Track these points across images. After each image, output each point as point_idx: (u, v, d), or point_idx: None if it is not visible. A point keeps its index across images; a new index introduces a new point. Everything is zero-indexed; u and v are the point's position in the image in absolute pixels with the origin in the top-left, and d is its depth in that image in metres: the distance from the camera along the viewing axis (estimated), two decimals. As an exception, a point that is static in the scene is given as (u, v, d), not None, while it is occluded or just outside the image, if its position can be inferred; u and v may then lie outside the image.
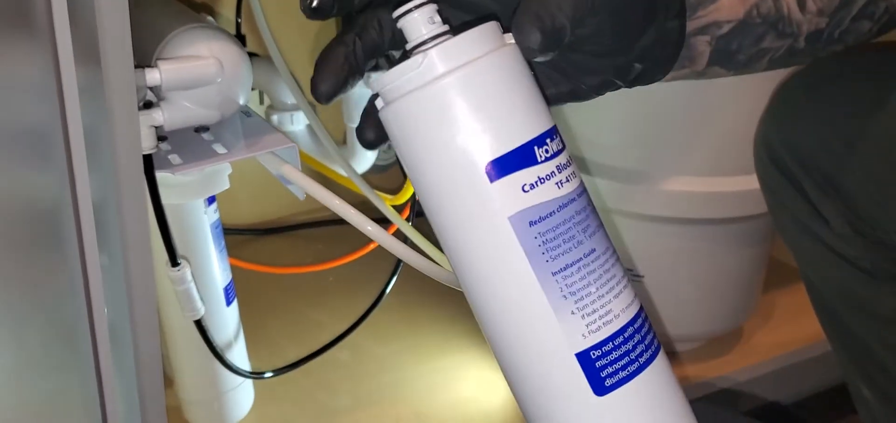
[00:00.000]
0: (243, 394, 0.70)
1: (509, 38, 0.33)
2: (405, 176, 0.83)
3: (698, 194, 0.78)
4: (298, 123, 0.89)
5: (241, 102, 0.50)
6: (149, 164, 0.46)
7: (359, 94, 0.90)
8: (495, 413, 0.77)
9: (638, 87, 0.39)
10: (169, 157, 0.50)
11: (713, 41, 0.40)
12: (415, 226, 0.76)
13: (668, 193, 0.79)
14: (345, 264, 0.90)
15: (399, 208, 0.80)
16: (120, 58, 0.40)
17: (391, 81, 0.32)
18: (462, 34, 0.31)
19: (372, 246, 0.86)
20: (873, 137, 0.57)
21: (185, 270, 0.51)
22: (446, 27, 0.32)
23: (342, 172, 0.82)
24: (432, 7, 0.32)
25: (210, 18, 0.61)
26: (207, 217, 0.61)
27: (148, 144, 0.46)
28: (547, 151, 0.32)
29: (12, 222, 0.40)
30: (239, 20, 0.91)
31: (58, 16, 0.40)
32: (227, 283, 0.65)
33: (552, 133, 0.32)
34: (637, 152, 0.80)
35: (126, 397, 0.47)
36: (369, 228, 0.54)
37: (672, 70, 0.39)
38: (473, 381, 0.80)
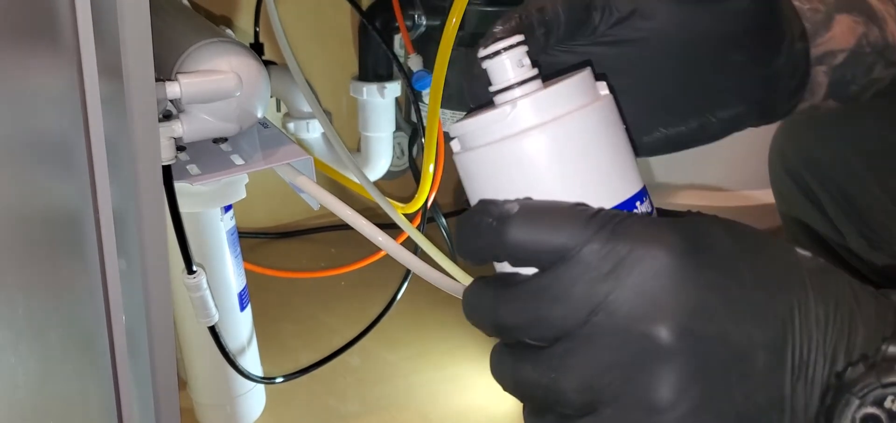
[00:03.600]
0: (255, 398, 0.72)
1: (603, 89, 0.30)
2: (418, 184, 0.84)
3: (709, 209, 0.79)
4: (314, 130, 0.91)
5: (259, 115, 0.51)
6: (168, 174, 0.48)
7: (373, 103, 0.91)
8: (503, 422, 0.78)
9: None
10: (187, 167, 0.51)
11: (830, 72, 0.39)
12: (425, 234, 0.77)
13: (680, 208, 0.79)
14: (357, 269, 0.91)
15: (411, 217, 0.81)
16: (142, 72, 0.42)
17: (474, 129, 0.29)
18: (555, 85, 0.29)
19: (383, 252, 0.87)
20: (894, 156, 0.58)
21: (201, 277, 0.53)
22: (535, 71, 0.30)
23: (355, 180, 0.83)
24: (522, 49, 0.30)
25: (229, 31, 0.63)
26: (223, 224, 0.62)
27: (167, 155, 0.47)
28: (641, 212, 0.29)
29: (36, 229, 0.41)
30: (257, 29, 0.92)
31: (83, 31, 0.41)
32: (241, 288, 0.66)
33: (642, 195, 0.30)
34: (650, 166, 0.81)
35: (141, 400, 0.49)
36: (380, 238, 0.55)
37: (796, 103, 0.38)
38: (482, 389, 0.81)
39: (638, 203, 0.29)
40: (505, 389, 0.30)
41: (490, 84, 0.30)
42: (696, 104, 0.37)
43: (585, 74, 0.29)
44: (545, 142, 0.28)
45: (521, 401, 0.30)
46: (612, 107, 0.30)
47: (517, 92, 0.29)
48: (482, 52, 0.30)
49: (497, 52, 0.29)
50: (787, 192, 0.66)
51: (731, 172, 0.79)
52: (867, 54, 0.40)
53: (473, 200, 0.30)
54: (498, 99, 0.30)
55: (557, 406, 0.28)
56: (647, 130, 0.37)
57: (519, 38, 0.30)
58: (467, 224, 0.29)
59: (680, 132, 0.37)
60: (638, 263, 0.26)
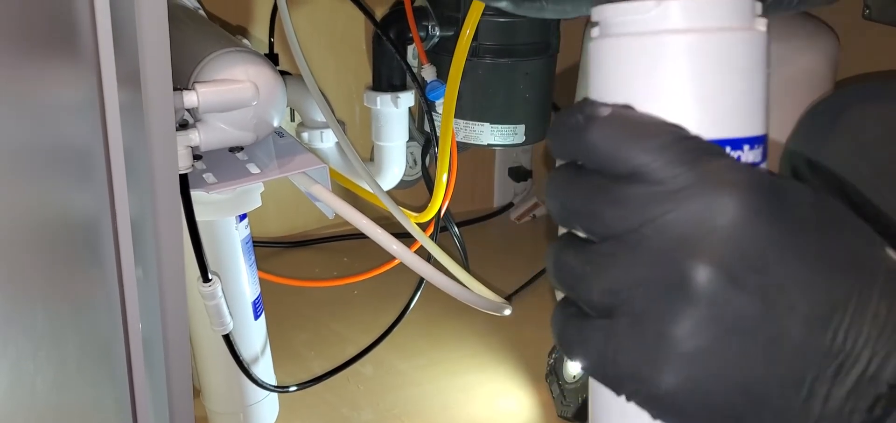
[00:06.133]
0: (268, 407, 0.72)
1: (761, 24, 0.28)
2: (431, 193, 0.84)
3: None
4: (328, 140, 0.91)
5: (275, 124, 0.51)
6: (184, 183, 0.48)
7: (386, 113, 0.92)
8: (515, 433, 0.77)
9: None
10: (203, 175, 0.51)
11: None
12: (438, 242, 0.77)
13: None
14: (370, 278, 0.91)
15: (424, 226, 0.82)
16: (160, 82, 0.42)
17: (615, 16, 0.28)
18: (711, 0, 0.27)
19: (397, 261, 0.88)
20: None
21: (216, 285, 0.53)
22: None
23: (368, 189, 0.83)
24: None
25: (246, 41, 0.63)
26: (238, 233, 0.62)
27: (184, 163, 0.47)
28: (740, 157, 0.28)
29: (56, 236, 0.42)
30: (272, 40, 0.93)
31: (103, 42, 0.41)
32: (255, 297, 0.66)
33: (754, 141, 0.28)
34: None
35: (157, 409, 0.49)
36: (394, 247, 0.55)
37: None
38: (495, 398, 0.81)
39: (745, 146, 0.28)
40: (547, 268, 0.30)
41: None
42: None
43: (746, 2, 0.28)
44: (672, 51, 0.27)
45: (556, 286, 0.30)
46: (760, 41, 0.28)
47: None
48: None
49: None
50: None
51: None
52: None
53: (590, 92, 0.29)
54: None
55: (581, 300, 0.28)
56: None
57: None
58: (559, 118, 0.29)
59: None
60: (703, 196, 0.26)
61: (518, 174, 1.24)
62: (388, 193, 0.83)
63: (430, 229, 0.84)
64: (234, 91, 0.48)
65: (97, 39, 0.41)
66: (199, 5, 0.73)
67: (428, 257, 0.79)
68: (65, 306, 0.42)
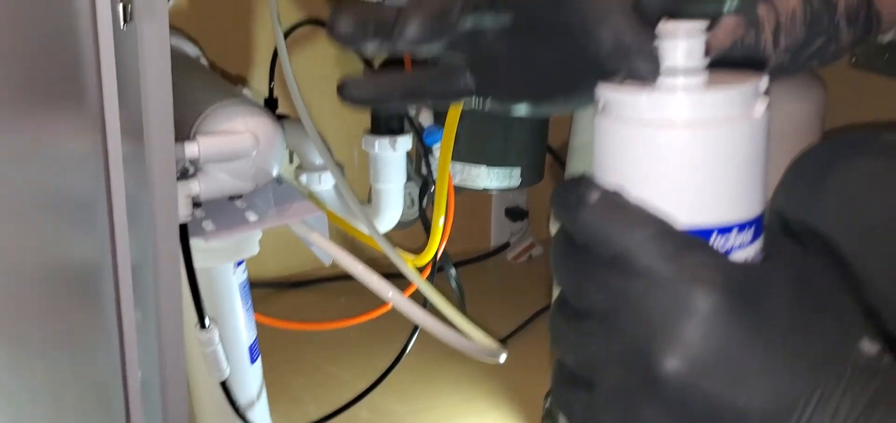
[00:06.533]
0: (264, 450, 0.72)
1: (761, 106, 0.28)
2: (428, 235, 0.85)
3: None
4: (326, 183, 0.92)
5: (274, 173, 0.52)
6: (184, 232, 0.49)
7: (384, 156, 0.93)
8: (511, 477, 0.77)
9: None
10: (203, 223, 0.52)
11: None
12: (435, 284, 0.78)
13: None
14: (366, 321, 0.91)
15: (421, 269, 0.82)
16: (162, 135, 0.43)
17: (614, 99, 0.29)
18: (719, 90, 0.27)
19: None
20: (891, 222, 0.57)
21: (213, 332, 0.53)
22: (705, 61, 0.28)
23: (366, 232, 0.84)
24: (701, 38, 0.28)
25: (246, 91, 0.64)
26: (235, 278, 0.63)
27: (184, 212, 0.48)
28: (727, 241, 0.28)
29: (59, 284, 0.42)
30: (272, 85, 0.94)
31: (108, 96, 0.43)
32: (251, 341, 0.67)
33: (746, 225, 0.29)
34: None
35: (154, 454, 0.49)
36: (390, 294, 0.56)
37: None
38: (490, 443, 0.81)
39: (734, 230, 0.28)
40: (549, 321, 0.33)
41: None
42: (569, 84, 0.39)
43: (752, 86, 0.28)
44: (666, 143, 0.27)
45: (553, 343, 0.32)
46: (756, 133, 0.28)
47: (681, 78, 0.28)
48: (662, 28, 0.29)
49: (676, 35, 0.28)
50: None
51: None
52: (736, 53, 0.40)
53: (593, 166, 0.30)
54: (660, 80, 0.29)
55: (564, 366, 0.31)
56: (516, 97, 0.40)
57: (702, 26, 0.28)
58: (561, 191, 0.31)
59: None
60: (678, 291, 0.27)
61: (515, 214, 1.25)
62: (386, 233, 0.84)
63: (427, 272, 0.85)
64: (235, 142, 0.49)
65: (102, 94, 0.42)
66: (200, 53, 0.74)
67: (424, 301, 0.79)
68: (65, 354, 0.42)
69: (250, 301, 0.66)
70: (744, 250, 0.29)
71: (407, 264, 0.76)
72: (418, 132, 0.88)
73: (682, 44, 0.28)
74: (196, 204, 0.55)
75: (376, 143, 0.92)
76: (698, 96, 0.27)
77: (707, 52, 0.28)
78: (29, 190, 0.38)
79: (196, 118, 0.52)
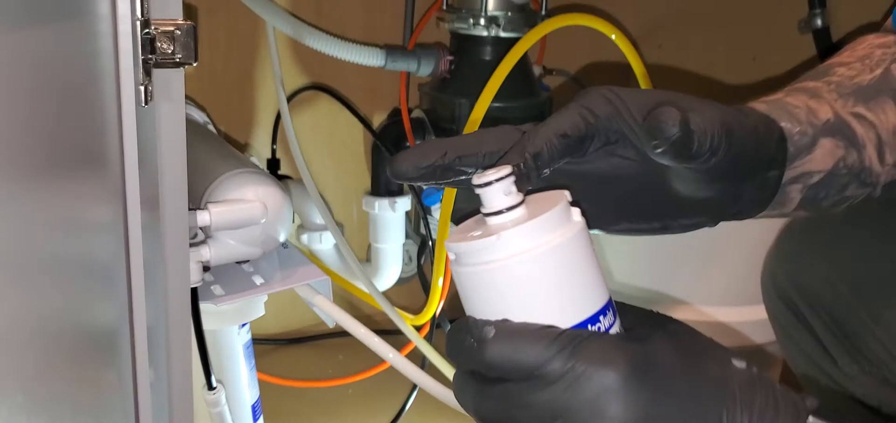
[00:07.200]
0: (264, 508, 0.73)
1: (577, 215, 0.35)
2: (426, 294, 0.87)
3: (705, 325, 0.82)
4: (326, 242, 0.94)
5: (282, 240, 0.55)
6: (194, 296, 0.51)
7: (384, 217, 0.95)
8: None
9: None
10: (211, 287, 0.54)
11: (804, 190, 0.42)
12: (433, 342, 0.80)
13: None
14: (364, 378, 0.93)
15: (420, 327, 0.84)
16: (177, 205, 0.46)
17: (465, 250, 0.34)
18: (537, 219, 0.33)
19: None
20: (880, 283, 0.60)
21: (220, 394, 0.55)
22: (520, 197, 0.34)
23: (365, 290, 0.86)
24: (510, 180, 0.34)
25: (254, 158, 0.67)
26: (240, 338, 0.65)
27: (195, 278, 0.51)
28: (600, 327, 0.34)
29: (78, 347, 0.44)
30: (274, 146, 0.97)
31: (129, 169, 0.45)
32: (254, 400, 0.68)
33: (606, 309, 0.35)
34: (648, 283, 0.84)
35: None
36: (390, 356, 0.58)
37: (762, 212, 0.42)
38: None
39: (601, 317, 0.34)
40: None
41: (482, 205, 0.35)
42: (662, 213, 0.41)
43: (563, 208, 0.34)
44: (524, 271, 0.33)
45: None
46: (583, 234, 0.34)
47: (505, 215, 0.34)
48: (477, 182, 0.34)
49: (490, 182, 0.34)
50: (780, 315, 0.68)
51: (729, 289, 0.83)
52: (843, 175, 0.42)
53: (465, 306, 0.35)
54: (488, 221, 0.34)
55: None
56: (612, 223, 0.41)
57: (508, 170, 0.34)
58: (454, 339, 0.35)
59: (642, 228, 0.41)
60: (591, 380, 0.32)
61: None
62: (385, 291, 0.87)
63: (425, 331, 0.87)
64: (244, 210, 0.52)
65: (124, 167, 0.45)
66: (208, 119, 0.77)
67: (423, 358, 0.81)
68: (88, 414, 0.44)
69: (253, 361, 0.68)
70: (614, 328, 0.35)
71: (406, 322, 0.78)
72: (417, 193, 0.91)
73: (496, 187, 0.33)
74: (205, 268, 0.57)
75: (376, 204, 0.95)
76: (528, 228, 0.33)
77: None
78: (56, 256, 0.40)
79: (207, 186, 0.54)
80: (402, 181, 0.38)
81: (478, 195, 0.34)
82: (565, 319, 0.33)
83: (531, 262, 0.33)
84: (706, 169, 0.37)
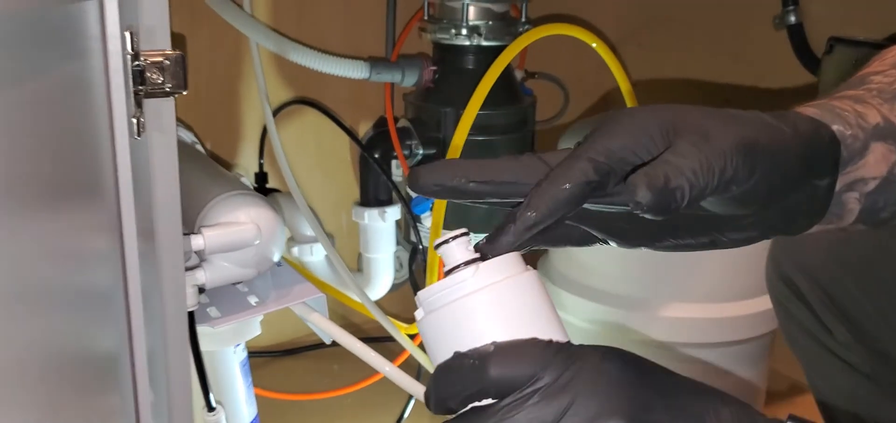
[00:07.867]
0: None
1: (528, 268, 0.37)
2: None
3: (697, 320, 0.83)
4: (317, 254, 0.95)
5: (275, 259, 0.55)
6: (191, 320, 0.51)
7: (374, 227, 0.96)
8: None
9: None
10: (208, 310, 0.55)
11: (862, 198, 0.40)
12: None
13: (669, 320, 0.84)
14: (362, 388, 0.93)
15: (414, 336, 0.85)
16: (171, 232, 0.47)
17: (431, 295, 0.36)
18: (489, 260, 0.36)
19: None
20: (864, 261, 0.62)
21: (220, 414, 0.56)
22: (477, 255, 0.37)
23: (358, 300, 0.87)
24: (466, 238, 0.37)
25: (245, 179, 0.67)
26: (236, 356, 0.65)
27: (191, 301, 0.51)
28: None
29: (81, 371, 0.45)
30: (261, 161, 0.98)
31: (124, 199, 0.46)
32: (252, 417, 0.69)
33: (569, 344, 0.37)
34: (639, 281, 0.85)
35: None
36: (387, 369, 0.58)
37: (819, 224, 0.40)
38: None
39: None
40: None
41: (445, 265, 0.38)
42: (708, 228, 0.40)
43: (511, 255, 0.37)
44: (485, 300, 0.35)
45: None
46: (534, 279, 0.37)
47: (462, 268, 0.36)
48: (436, 243, 0.37)
49: (447, 241, 0.36)
50: (781, 295, 0.70)
51: (720, 285, 0.85)
52: None
53: (439, 357, 0.36)
54: (452, 275, 0.37)
55: None
56: (656, 239, 0.41)
57: (463, 231, 0.37)
58: (447, 373, 0.35)
59: (689, 243, 0.41)
60: (592, 373, 0.34)
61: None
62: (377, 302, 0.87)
63: (420, 339, 0.87)
64: (238, 233, 0.52)
65: (119, 197, 0.45)
66: (196, 139, 0.77)
67: (419, 367, 0.82)
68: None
69: (250, 378, 0.69)
70: None
71: (401, 332, 0.79)
72: (406, 202, 0.91)
73: (454, 245, 0.36)
74: (201, 290, 0.57)
75: (366, 214, 0.95)
76: (493, 264, 0.36)
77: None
78: (59, 287, 0.41)
79: (200, 210, 0.55)
80: (421, 195, 0.38)
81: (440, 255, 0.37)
82: (547, 336, 0.35)
83: (507, 288, 0.35)
84: (729, 196, 0.36)
